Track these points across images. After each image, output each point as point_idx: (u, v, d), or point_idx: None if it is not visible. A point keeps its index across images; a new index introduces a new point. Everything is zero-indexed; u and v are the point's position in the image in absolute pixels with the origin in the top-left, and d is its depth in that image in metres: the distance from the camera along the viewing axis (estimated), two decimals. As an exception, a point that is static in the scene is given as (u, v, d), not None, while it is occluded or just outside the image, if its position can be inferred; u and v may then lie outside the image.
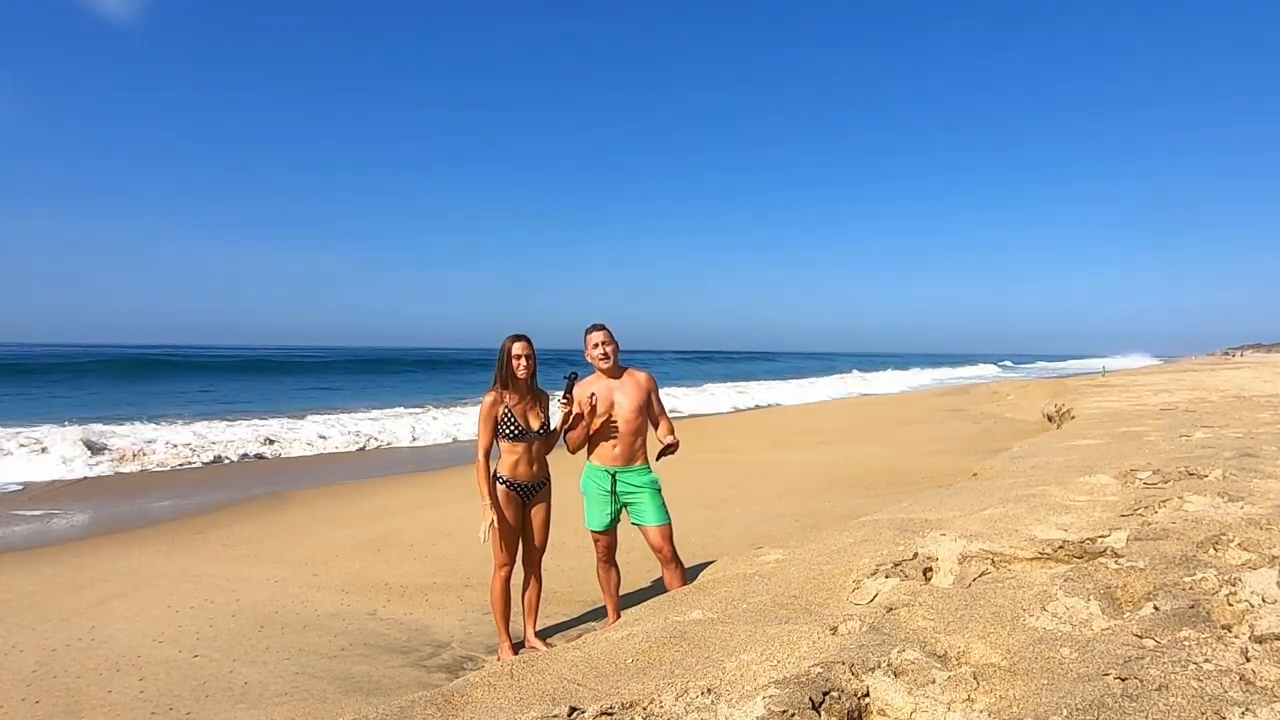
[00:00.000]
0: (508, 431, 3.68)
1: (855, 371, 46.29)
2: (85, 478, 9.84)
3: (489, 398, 3.70)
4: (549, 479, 3.89)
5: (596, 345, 3.79)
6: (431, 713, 2.30)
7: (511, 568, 3.78)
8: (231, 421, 15.02)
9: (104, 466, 10.40)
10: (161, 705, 3.30)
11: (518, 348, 3.71)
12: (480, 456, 3.68)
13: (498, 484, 3.71)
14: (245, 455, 11.82)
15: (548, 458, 3.88)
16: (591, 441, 3.84)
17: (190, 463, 11.06)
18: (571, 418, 3.78)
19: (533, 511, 3.83)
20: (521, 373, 3.70)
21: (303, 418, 15.63)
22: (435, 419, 16.27)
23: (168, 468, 10.73)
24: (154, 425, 13.63)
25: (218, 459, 11.40)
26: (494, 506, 3.65)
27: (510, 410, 3.69)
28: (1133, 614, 2.39)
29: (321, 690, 3.42)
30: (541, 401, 3.83)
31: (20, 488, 9.08)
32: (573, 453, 3.88)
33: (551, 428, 3.84)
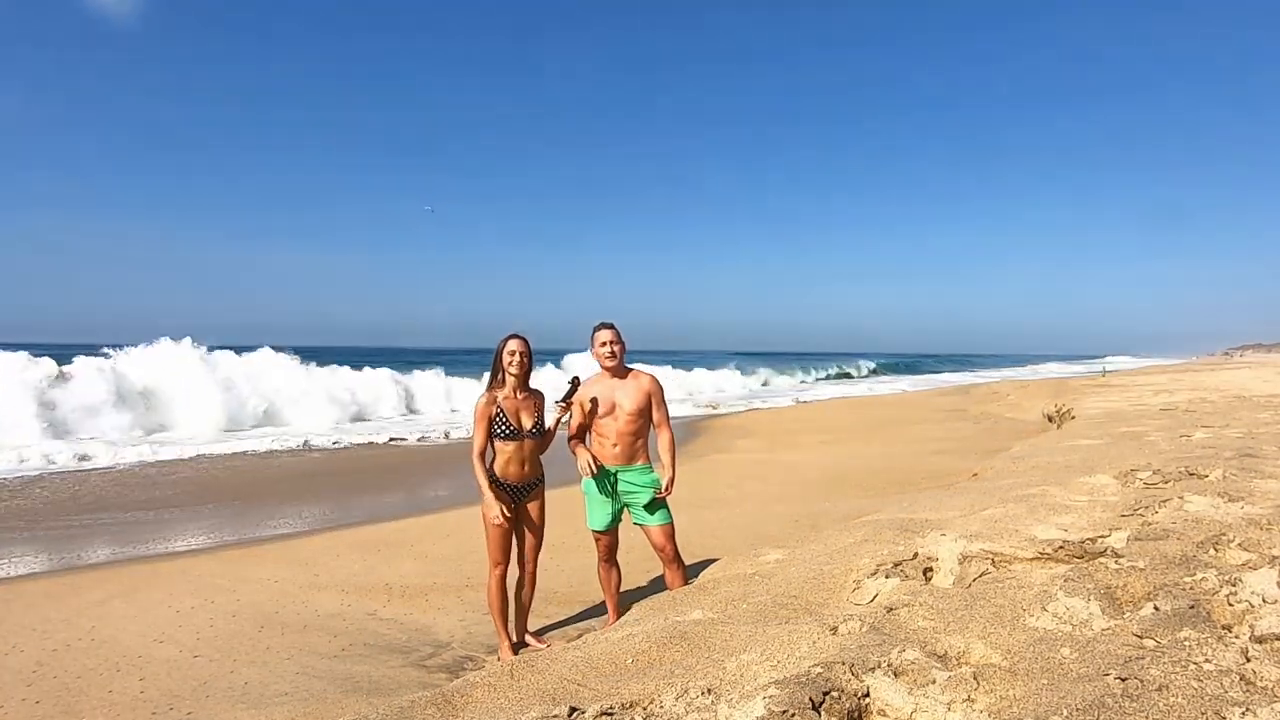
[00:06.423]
0: (500, 431, 3.70)
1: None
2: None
3: (483, 398, 3.71)
4: (542, 479, 3.89)
5: (604, 344, 3.79)
6: (431, 713, 2.31)
7: (506, 567, 3.79)
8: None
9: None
10: (162, 705, 3.30)
11: (512, 345, 3.72)
12: (474, 457, 3.71)
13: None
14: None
15: (542, 458, 3.88)
16: (592, 441, 3.84)
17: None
18: (567, 417, 3.79)
19: (525, 511, 3.83)
20: (515, 369, 3.71)
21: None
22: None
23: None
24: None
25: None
26: (495, 500, 3.65)
27: (503, 410, 3.70)
28: (1133, 614, 2.39)
29: (321, 690, 3.42)
30: (536, 400, 3.83)
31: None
32: (574, 454, 3.88)
33: (546, 427, 3.84)
